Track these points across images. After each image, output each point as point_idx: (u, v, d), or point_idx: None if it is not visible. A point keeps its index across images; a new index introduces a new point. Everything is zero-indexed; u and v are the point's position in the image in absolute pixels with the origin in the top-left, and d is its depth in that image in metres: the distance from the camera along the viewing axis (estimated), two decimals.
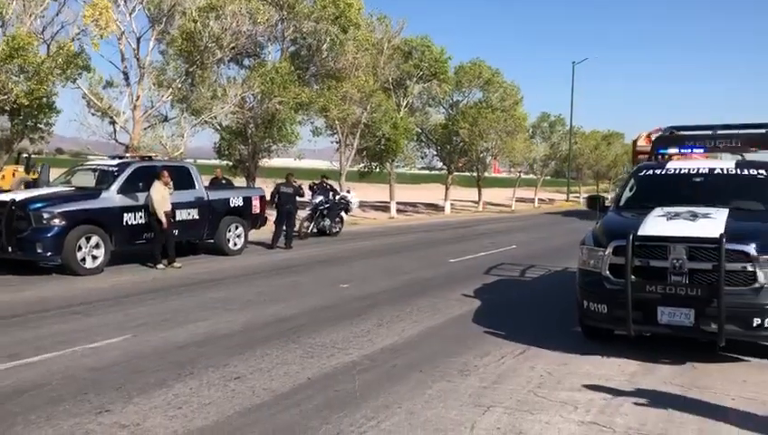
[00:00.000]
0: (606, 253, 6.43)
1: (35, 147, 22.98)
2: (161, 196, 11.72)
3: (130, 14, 19.34)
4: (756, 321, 5.81)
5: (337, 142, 27.61)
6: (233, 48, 21.16)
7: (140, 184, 11.99)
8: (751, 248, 5.91)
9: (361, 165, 29.69)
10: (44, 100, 16.76)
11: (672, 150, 9.11)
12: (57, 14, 18.19)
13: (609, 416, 4.79)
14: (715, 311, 5.77)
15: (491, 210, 39.56)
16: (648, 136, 24.43)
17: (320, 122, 26.99)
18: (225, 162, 24.41)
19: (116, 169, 12.13)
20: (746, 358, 6.36)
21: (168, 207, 11.89)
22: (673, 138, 9.78)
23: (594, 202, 8.40)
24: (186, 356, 6.17)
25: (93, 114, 19.64)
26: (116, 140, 19.93)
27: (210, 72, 21.88)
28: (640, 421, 4.68)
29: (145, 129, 20.42)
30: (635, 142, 27.47)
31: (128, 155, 14.54)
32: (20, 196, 11.01)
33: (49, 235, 10.56)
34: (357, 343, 6.77)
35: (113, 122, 19.51)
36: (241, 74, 23.73)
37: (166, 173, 11.99)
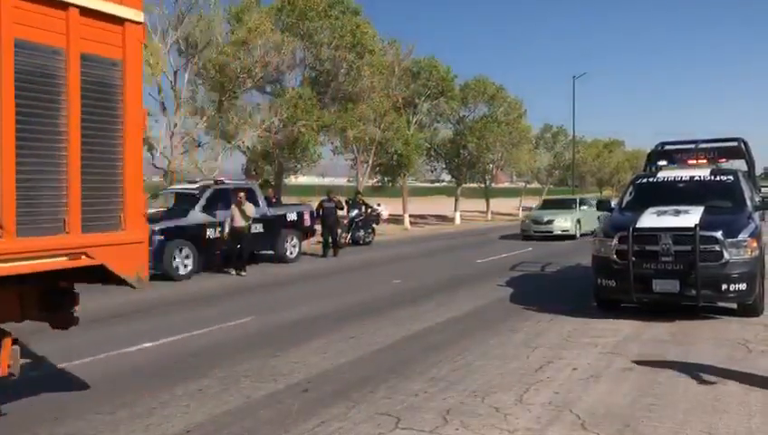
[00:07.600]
0: (613, 242, 8.65)
1: None
2: (231, 213, 13.98)
3: (168, 51, 21.84)
4: (724, 286, 8.03)
5: (353, 160, 29.98)
6: (261, 78, 23.64)
7: (218, 204, 14.30)
8: (719, 234, 8.15)
9: (375, 180, 32.03)
10: None
11: (662, 162, 11.40)
12: None
13: (621, 349, 7.01)
14: (693, 280, 7.99)
15: (499, 219, 41.78)
16: None
17: (338, 142, 29.40)
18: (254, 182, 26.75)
19: (197, 192, 14.43)
20: (717, 316, 8.57)
21: (239, 224, 14.05)
22: (663, 151, 12.16)
23: (603, 204, 10.67)
24: (320, 324, 8.46)
25: None
26: (154, 165, 22.32)
27: (237, 100, 24.36)
28: (642, 351, 6.90)
29: (182, 153, 22.84)
30: None
31: (198, 179, 16.80)
32: None
33: (152, 248, 12.81)
34: (428, 316, 9.01)
35: (151, 149, 21.89)
36: (264, 99, 26.16)
37: (241, 195, 14.18)
